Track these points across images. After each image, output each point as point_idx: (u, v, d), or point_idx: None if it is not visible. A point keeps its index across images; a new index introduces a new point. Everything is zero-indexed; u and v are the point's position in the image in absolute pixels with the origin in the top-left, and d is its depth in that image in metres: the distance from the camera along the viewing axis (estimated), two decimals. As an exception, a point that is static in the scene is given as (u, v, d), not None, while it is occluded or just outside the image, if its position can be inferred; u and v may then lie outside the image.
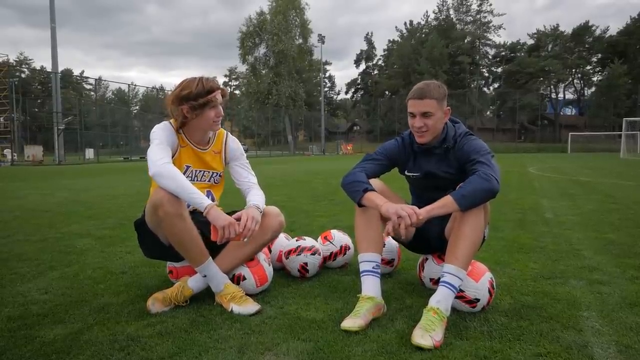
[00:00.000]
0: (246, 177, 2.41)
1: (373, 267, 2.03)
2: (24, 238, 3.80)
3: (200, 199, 1.96)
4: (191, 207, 2.12)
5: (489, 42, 61.98)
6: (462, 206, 1.86)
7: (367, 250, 2.05)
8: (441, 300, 1.83)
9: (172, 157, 2.15)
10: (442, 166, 2.17)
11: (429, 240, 2.26)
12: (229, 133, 2.44)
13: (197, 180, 2.29)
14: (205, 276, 2.12)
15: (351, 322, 1.84)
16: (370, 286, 2.00)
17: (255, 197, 2.28)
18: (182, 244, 2.04)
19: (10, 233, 4.03)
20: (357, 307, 1.94)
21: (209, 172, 2.33)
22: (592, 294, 2.27)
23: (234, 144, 2.42)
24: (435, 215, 1.89)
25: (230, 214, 2.08)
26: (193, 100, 2.12)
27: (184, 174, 2.19)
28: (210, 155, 2.33)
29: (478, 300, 2.01)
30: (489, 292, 2.04)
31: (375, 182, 2.14)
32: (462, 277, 1.89)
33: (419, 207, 2.17)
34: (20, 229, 4.25)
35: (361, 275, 2.05)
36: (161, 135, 2.13)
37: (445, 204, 1.88)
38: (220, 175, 2.39)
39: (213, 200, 2.32)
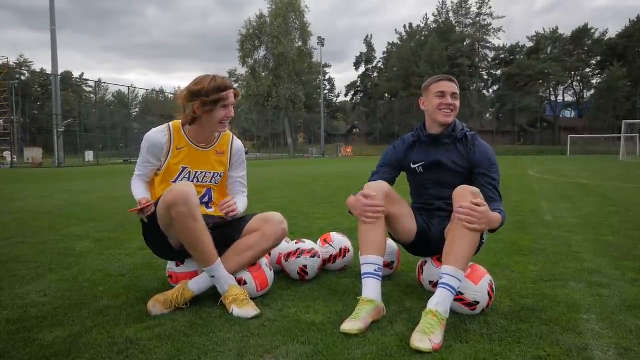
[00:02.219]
0: (240, 188, 2.51)
1: (375, 270, 2.02)
2: (23, 240, 3.80)
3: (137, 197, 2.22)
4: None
5: (488, 44, 62.03)
6: (501, 223, 2.05)
7: (369, 253, 2.04)
8: (440, 302, 1.83)
9: (163, 162, 2.26)
10: (450, 155, 2.24)
11: (430, 241, 2.27)
12: (234, 136, 2.47)
13: (196, 181, 2.30)
14: (213, 277, 2.12)
15: (351, 325, 1.83)
16: (371, 289, 1.99)
17: (240, 203, 2.42)
18: (193, 244, 2.06)
19: (10, 235, 4.02)
20: (357, 309, 1.92)
21: (210, 172, 2.34)
22: (591, 297, 2.26)
23: (240, 148, 2.48)
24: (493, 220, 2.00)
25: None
26: (205, 96, 2.14)
27: (179, 175, 2.26)
28: (212, 155, 2.35)
29: (477, 302, 2.00)
30: (489, 294, 2.03)
31: (381, 184, 2.17)
32: (460, 278, 1.89)
33: (419, 206, 2.36)
34: (19, 231, 4.24)
35: (362, 277, 2.04)
36: (143, 148, 2.28)
37: (496, 215, 2.02)
38: (221, 176, 2.40)
39: (210, 199, 2.36)
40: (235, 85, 2.33)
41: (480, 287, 2.01)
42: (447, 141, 2.25)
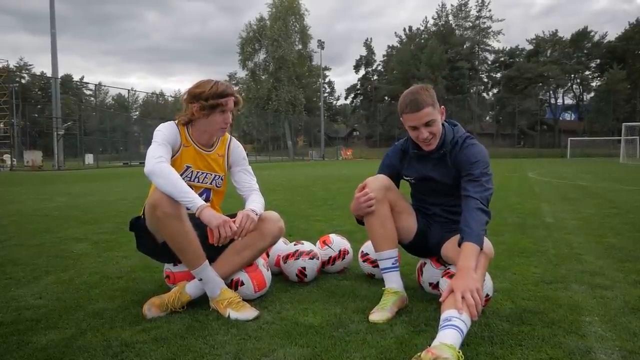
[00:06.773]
0: (248, 181, 2.39)
1: (392, 263, 2.14)
2: (20, 242, 3.77)
3: (192, 199, 1.94)
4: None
5: (488, 47, 62.23)
6: (482, 246, 1.84)
7: (383, 249, 2.14)
8: (455, 342, 1.53)
9: (173, 156, 2.17)
10: (439, 170, 2.16)
11: (427, 243, 2.24)
12: (233, 137, 2.44)
13: (197, 181, 2.28)
14: (201, 280, 2.09)
15: (379, 316, 1.93)
16: (394, 281, 2.11)
17: (253, 203, 2.26)
18: (178, 245, 2.02)
19: (7, 237, 3.99)
20: (383, 300, 2.03)
21: (211, 174, 2.31)
22: (594, 299, 2.24)
23: (238, 148, 2.42)
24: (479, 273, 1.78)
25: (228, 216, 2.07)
26: (204, 100, 2.13)
27: (182, 173, 2.19)
28: (214, 158, 2.33)
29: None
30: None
31: (380, 177, 2.17)
32: (468, 323, 1.63)
33: (417, 208, 2.31)
34: (17, 233, 4.22)
35: (382, 272, 2.15)
36: (164, 134, 2.14)
37: (472, 253, 1.79)
38: (222, 179, 2.37)
39: (208, 199, 2.30)
40: (235, 89, 2.26)
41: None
42: (435, 156, 2.14)
